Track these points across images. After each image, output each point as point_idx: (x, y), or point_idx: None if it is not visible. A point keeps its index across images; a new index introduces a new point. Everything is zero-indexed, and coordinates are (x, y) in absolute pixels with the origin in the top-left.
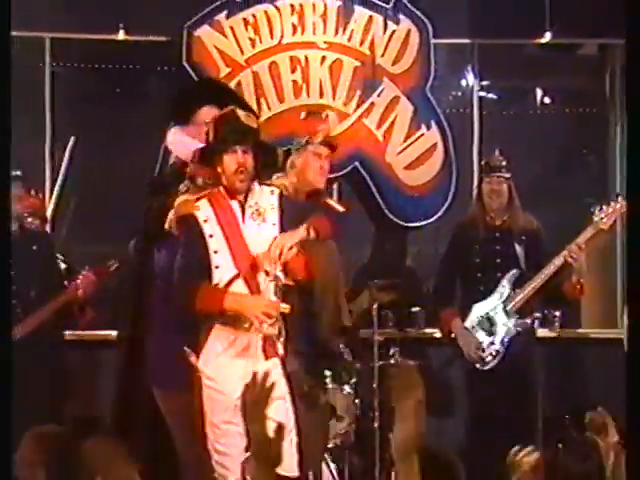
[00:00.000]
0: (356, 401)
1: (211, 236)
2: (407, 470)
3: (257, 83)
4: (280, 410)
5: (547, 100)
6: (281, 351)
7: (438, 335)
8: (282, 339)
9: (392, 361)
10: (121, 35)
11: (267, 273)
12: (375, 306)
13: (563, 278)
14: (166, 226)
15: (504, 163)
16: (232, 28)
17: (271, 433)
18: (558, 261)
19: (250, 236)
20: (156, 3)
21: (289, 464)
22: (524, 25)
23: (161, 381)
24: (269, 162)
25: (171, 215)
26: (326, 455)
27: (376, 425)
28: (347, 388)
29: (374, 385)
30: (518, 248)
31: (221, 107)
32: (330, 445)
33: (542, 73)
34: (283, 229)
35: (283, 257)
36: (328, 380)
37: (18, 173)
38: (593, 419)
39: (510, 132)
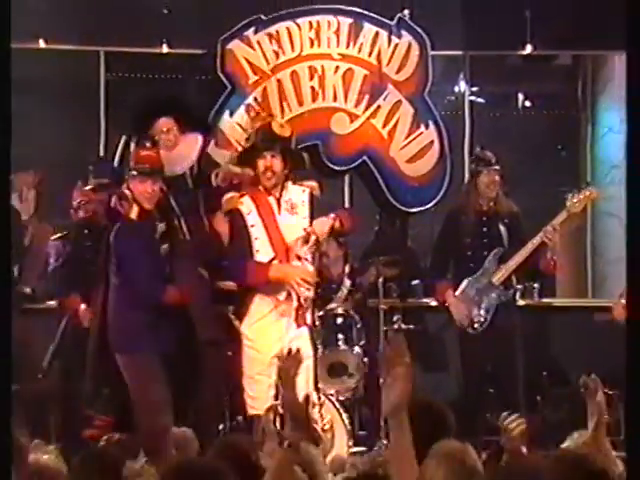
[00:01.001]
0: (364, 360)
1: (253, 226)
2: (398, 424)
3: (280, 89)
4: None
5: (527, 103)
6: (309, 321)
7: (434, 304)
8: (310, 310)
9: (395, 326)
10: (165, 49)
11: (298, 257)
12: (380, 279)
13: (539, 255)
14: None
15: (494, 159)
16: (259, 42)
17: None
18: (536, 241)
19: (284, 226)
20: (194, 21)
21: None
22: (508, 39)
23: (120, 343)
24: (297, 165)
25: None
26: (339, 405)
27: (382, 381)
28: (357, 349)
29: (380, 347)
30: (502, 229)
31: (175, 118)
32: (342, 398)
33: (523, 80)
34: (313, 221)
35: (311, 242)
36: (341, 342)
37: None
38: (586, 382)
39: (496, 131)
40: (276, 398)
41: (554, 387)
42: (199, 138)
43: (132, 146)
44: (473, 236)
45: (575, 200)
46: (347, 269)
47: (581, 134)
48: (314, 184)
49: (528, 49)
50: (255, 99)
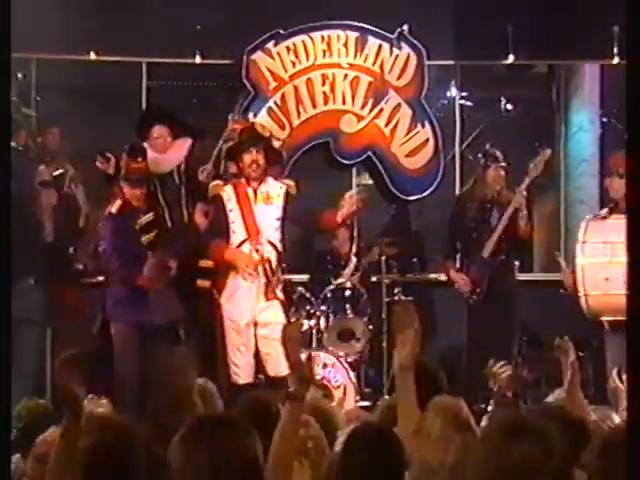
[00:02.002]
0: (370, 327)
1: (231, 211)
2: (404, 381)
3: (297, 94)
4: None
5: (510, 106)
6: (280, 295)
7: (430, 278)
8: (280, 286)
9: (396, 298)
10: (198, 59)
11: (270, 242)
12: (383, 257)
13: (517, 224)
14: None
15: (502, 156)
16: (278, 53)
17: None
18: (510, 211)
19: (259, 214)
20: (223, 35)
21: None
22: (493, 51)
23: (109, 313)
24: (277, 161)
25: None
26: (347, 366)
27: (384, 345)
28: (363, 317)
29: (383, 316)
30: (503, 217)
31: (168, 125)
32: (350, 360)
33: (506, 86)
34: (285, 212)
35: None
36: (349, 312)
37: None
38: (560, 344)
39: (483, 130)
40: (257, 369)
41: (533, 350)
42: (188, 142)
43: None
44: (477, 221)
45: (532, 165)
46: (354, 249)
47: (555, 133)
48: (291, 183)
49: (510, 59)
50: (275, 102)
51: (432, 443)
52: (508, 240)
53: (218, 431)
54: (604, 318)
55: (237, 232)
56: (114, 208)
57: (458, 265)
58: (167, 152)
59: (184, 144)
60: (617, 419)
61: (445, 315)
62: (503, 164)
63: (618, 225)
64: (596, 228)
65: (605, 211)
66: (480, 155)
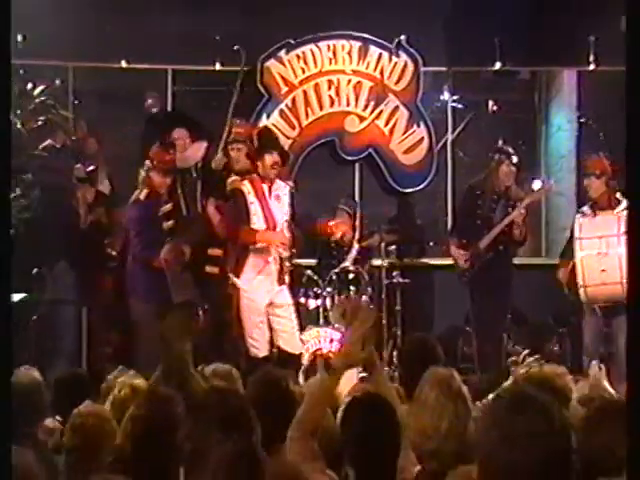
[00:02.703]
0: (371, 306)
1: (251, 203)
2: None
3: (306, 97)
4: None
5: (496, 108)
6: (287, 280)
7: (424, 262)
8: (288, 273)
9: (394, 280)
10: (217, 66)
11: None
12: (383, 243)
13: (513, 228)
14: None
15: (514, 153)
16: (289, 60)
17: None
18: (509, 218)
19: (273, 208)
20: (240, 45)
21: None
22: (481, 58)
23: (129, 291)
24: (285, 162)
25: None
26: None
27: (384, 322)
28: (365, 297)
29: (382, 296)
30: (509, 210)
31: (187, 128)
32: None
33: (493, 90)
34: (293, 209)
35: None
36: (352, 292)
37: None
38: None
39: (471, 130)
40: (271, 343)
41: (517, 326)
42: (204, 145)
43: (155, 146)
44: (483, 210)
45: (537, 189)
46: (356, 236)
47: (537, 132)
48: (292, 184)
49: (497, 66)
50: (286, 105)
51: (427, 410)
52: (503, 240)
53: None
54: (599, 304)
55: (257, 223)
56: (142, 195)
57: (459, 245)
58: (186, 152)
59: (201, 146)
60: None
61: (437, 295)
62: (515, 161)
63: (607, 221)
64: (589, 225)
65: (587, 209)
66: (494, 151)
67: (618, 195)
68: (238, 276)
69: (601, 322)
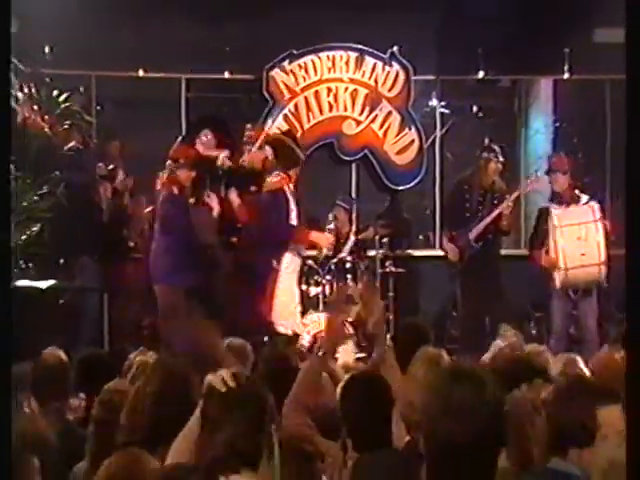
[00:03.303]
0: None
1: (290, 202)
2: (380, 339)
3: (307, 103)
4: None
5: (480, 114)
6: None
7: (414, 253)
8: None
9: (387, 270)
10: (227, 75)
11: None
12: (377, 236)
13: (500, 220)
14: None
15: (496, 148)
16: (292, 70)
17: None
18: (498, 210)
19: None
20: (247, 56)
21: None
22: (467, 68)
23: (156, 277)
24: None
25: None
26: (348, 324)
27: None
28: (360, 285)
29: (376, 284)
30: (495, 203)
31: (212, 130)
32: (350, 319)
33: (477, 97)
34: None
35: None
36: (349, 280)
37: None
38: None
39: (458, 133)
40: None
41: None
42: (225, 152)
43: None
44: (472, 203)
45: (528, 181)
46: (353, 229)
47: (517, 135)
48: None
49: (481, 75)
50: (290, 110)
51: (417, 385)
52: (492, 231)
53: None
54: (577, 287)
55: (293, 220)
56: (175, 189)
57: (450, 237)
58: (212, 150)
59: (221, 152)
60: (581, 363)
61: (426, 283)
62: (501, 159)
63: (581, 210)
64: (566, 214)
65: (554, 204)
66: (482, 149)
67: (576, 191)
68: (279, 264)
69: (570, 305)
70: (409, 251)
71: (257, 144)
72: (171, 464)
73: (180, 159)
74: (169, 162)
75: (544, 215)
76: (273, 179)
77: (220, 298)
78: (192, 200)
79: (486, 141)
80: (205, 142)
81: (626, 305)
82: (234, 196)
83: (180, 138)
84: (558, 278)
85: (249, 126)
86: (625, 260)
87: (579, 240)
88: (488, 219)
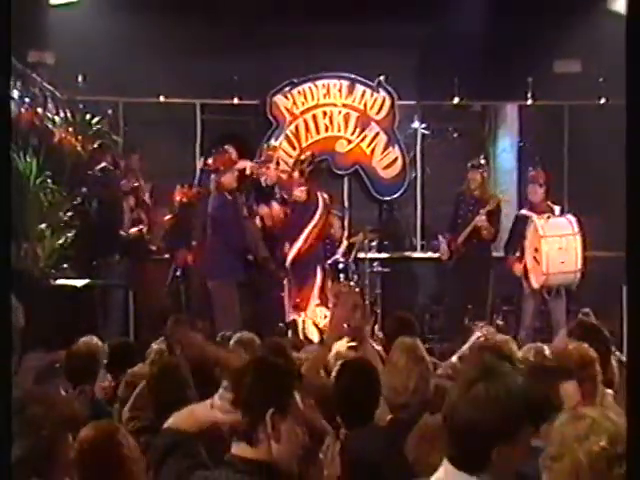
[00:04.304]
0: (357, 289)
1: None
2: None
3: (306, 125)
4: None
5: (455, 134)
6: None
7: (398, 255)
8: None
9: (375, 269)
10: (235, 100)
11: None
12: (366, 241)
13: (480, 229)
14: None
15: (482, 164)
16: (292, 95)
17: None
18: (473, 223)
19: None
20: (253, 83)
21: None
22: (444, 94)
23: (216, 274)
24: None
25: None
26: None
27: (367, 302)
28: (352, 283)
29: (366, 282)
30: (481, 209)
31: (236, 146)
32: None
33: (453, 119)
34: None
35: None
36: (342, 279)
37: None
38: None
39: (436, 151)
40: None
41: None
42: (247, 163)
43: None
44: (464, 211)
45: (499, 196)
46: (345, 234)
47: (487, 153)
48: None
49: (456, 100)
50: (290, 131)
51: (397, 372)
52: (476, 237)
53: None
54: (554, 289)
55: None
56: (226, 193)
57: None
58: (235, 165)
59: (243, 164)
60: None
61: (409, 280)
62: (480, 169)
63: (562, 223)
64: (550, 226)
65: (526, 211)
66: (471, 166)
67: (549, 202)
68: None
69: (539, 302)
70: (394, 253)
71: (274, 161)
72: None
73: (220, 167)
74: (212, 176)
75: (521, 222)
76: (298, 193)
77: (261, 291)
78: (245, 210)
79: (475, 159)
80: (227, 158)
81: (627, 305)
82: (275, 206)
83: (214, 150)
84: (537, 280)
85: (266, 146)
86: (625, 260)
87: (560, 250)
88: (468, 229)
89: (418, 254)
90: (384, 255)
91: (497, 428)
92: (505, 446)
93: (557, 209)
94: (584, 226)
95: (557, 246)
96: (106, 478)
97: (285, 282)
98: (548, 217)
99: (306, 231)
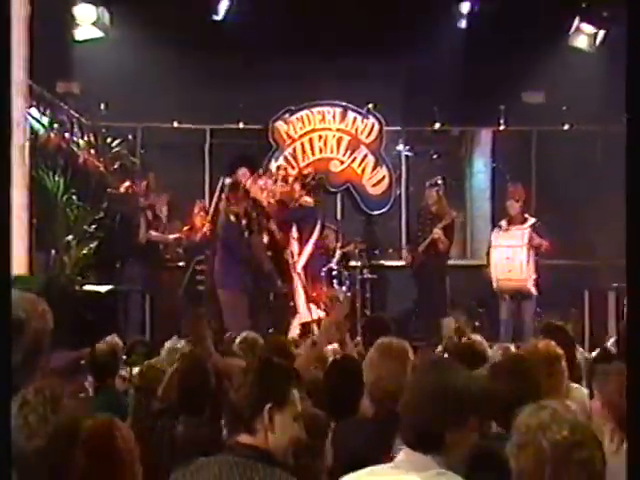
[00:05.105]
0: (348, 294)
1: None
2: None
3: (302, 147)
4: None
5: (435, 156)
6: None
7: (385, 263)
8: None
9: (365, 276)
10: (241, 125)
11: None
12: (357, 250)
13: (437, 245)
14: None
15: (437, 182)
16: (291, 121)
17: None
18: (429, 238)
19: None
20: (257, 110)
21: None
22: (425, 120)
23: (224, 283)
24: None
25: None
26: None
27: (358, 305)
28: (344, 288)
29: (357, 287)
30: (438, 223)
31: (250, 168)
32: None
33: (434, 143)
34: None
35: None
36: (335, 285)
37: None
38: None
39: (419, 171)
40: None
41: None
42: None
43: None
44: (423, 225)
45: (452, 214)
46: (339, 244)
47: (464, 173)
48: None
49: (436, 126)
50: (289, 153)
51: (373, 368)
52: (434, 247)
53: None
54: (507, 294)
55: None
56: (232, 217)
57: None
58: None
59: (264, 195)
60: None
61: (395, 286)
62: (436, 188)
63: (514, 234)
64: (502, 237)
65: (504, 223)
66: (429, 184)
67: (526, 215)
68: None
69: (510, 304)
70: (381, 261)
71: (290, 181)
72: None
73: (232, 199)
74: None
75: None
76: (307, 199)
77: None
78: (247, 231)
79: (434, 179)
80: (242, 175)
81: (627, 305)
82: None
83: (230, 181)
84: (494, 285)
85: (279, 165)
86: (626, 261)
87: (507, 259)
88: (427, 241)
89: (402, 262)
90: (372, 263)
91: (444, 417)
92: (454, 433)
93: (531, 221)
94: (545, 237)
95: (505, 255)
96: (102, 467)
97: (296, 286)
98: (507, 229)
99: (313, 238)
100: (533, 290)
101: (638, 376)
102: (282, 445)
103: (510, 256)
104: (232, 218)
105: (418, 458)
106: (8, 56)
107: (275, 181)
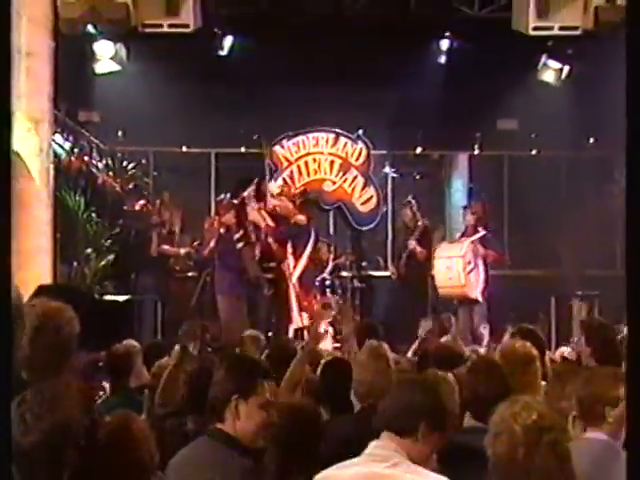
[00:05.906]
0: (340, 301)
1: None
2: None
3: (298, 169)
4: None
5: (418, 177)
6: None
7: (373, 274)
8: None
9: (355, 285)
10: (242, 149)
11: None
12: (348, 261)
13: (416, 255)
14: None
15: (409, 201)
16: (288, 146)
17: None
18: (407, 250)
19: None
20: (257, 135)
21: None
22: (409, 145)
23: (220, 290)
24: None
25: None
26: (328, 324)
27: (350, 313)
28: (336, 296)
29: (348, 295)
30: (416, 235)
31: (250, 188)
32: (329, 320)
33: (416, 165)
34: None
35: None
36: (328, 293)
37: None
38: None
39: (403, 191)
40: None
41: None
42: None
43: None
44: (403, 239)
45: (421, 225)
46: (331, 256)
47: (443, 193)
48: None
49: (419, 150)
50: (287, 175)
51: (362, 368)
52: (414, 258)
53: None
54: (450, 301)
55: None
56: (222, 230)
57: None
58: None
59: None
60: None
61: (380, 293)
62: (410, 206)
63: (454, 246)
64: (443, 248)
65: (458, 235)
66: (404, 204)
67: (479, 227)
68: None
69: (461, 311)
70: (369, 272)
71: (285, 200)
72: None
73: (222, 214)
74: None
75: None
76: (300, 217)
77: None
78: (241, 242)
79: (408, 198)
80: (248, 195)
81: (627, 306)
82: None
83: (226, 197)
84: (439, 293)
85: (281, 184)
86: (626, 261)
87: (447, 269)
88: (404, 255)
89: (388, 272)
90: (362, 273)
91: (418, 409)
92: (427, 424)
93: (481, 232)
94: (493, 248)
95: (445, 265)
96: (120, 457)
97: (290, 295)
98: (451, 242)
99: (306, 252)
100: (479, 297)
101: (638, 376)
102: (249, 430)
103: (450, 266)
104: (222, 230)
105: (381, 451)
106: (8, 56)
107: (273, 198)
